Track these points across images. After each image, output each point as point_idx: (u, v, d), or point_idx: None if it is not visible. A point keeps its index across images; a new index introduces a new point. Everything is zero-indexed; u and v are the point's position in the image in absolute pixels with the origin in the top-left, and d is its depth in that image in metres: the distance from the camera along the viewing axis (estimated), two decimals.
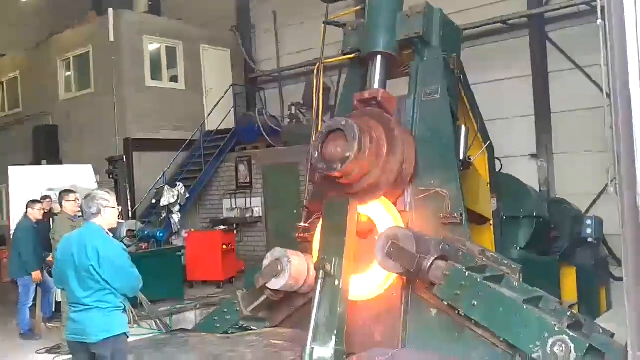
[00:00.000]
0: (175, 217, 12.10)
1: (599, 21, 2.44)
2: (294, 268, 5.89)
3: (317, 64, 7.05)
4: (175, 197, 12.05)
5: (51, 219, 8.51)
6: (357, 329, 5.54)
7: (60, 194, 7.63)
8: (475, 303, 4.85)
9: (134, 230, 10.58)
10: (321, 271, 5.34)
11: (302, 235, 6.40)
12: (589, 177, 10.27)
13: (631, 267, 2.10)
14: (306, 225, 6.41)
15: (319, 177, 6.10)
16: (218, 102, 14.91)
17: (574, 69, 10.99)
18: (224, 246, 11.68)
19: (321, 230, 5.74)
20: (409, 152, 5.82)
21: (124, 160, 11.98)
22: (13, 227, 8.81)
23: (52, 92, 15.93)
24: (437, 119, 6.02)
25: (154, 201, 12.65)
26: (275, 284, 5.94)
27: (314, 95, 7.11)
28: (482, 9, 11.72)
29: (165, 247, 10.81)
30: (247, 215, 13.88)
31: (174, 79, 15.21)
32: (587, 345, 4.35)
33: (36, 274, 7.92)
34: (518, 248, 7.76)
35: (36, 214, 8.25)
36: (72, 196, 7.34)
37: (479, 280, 4.90)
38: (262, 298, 6.19)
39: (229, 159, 14.61)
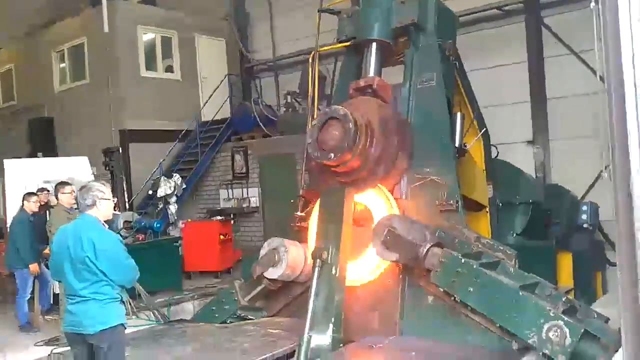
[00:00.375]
0: (172, 208, 12.09)
1: (592, 4, 2.43)
2: (291, 257, 5.91)
3: (313, 52, 7.03)
4: (172, 188, 12.03)
5: (47, 212, 8.50)
6: (355, 316, 5.57)
7: (56, 186, 7.60)
8: (471, 289, 4.87)
9: (130, 222, 10.56)
10: (318, 260, 5.35)
11: (298, 224, 6.41)
12: (584, 163, 10.28)
13: (624, 257, 2.10)
14: (303, 214, 6.42)
15: (315, 166, 6.10)
16: (213, 92, 14.86)
17: (570, 55, 10.96)
18: (221, 236, 11.68)
19: (318, 219, 5.75)
20: (405, 140, 5.82)
21: (120, 151, 11.93)
22: (9, 220, 8.79)
23: (47, 84, 15.86)
24: (433, 107, 6.02)
25: (150, 192, 12.62)
26: (273, 273, 5.96)
27: (310, 83, 7.09)
28: None
29: (162, 238, 10.80)
30: (244, 205, 13.88)
31: (169, 69, 15.14)
32: (582, 330, 4.38)
33: (33, 267, 7.91)
34: (514, 234, 7.78)
35: (32, 206, 8.23)
36: (67, 188, 7.31)
37: (474, 267, 4.92)
38: (260, 287, 6.21)
39: (225, 149, 14.58)
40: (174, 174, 12.59)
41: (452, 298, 5.02)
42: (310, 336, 5.05)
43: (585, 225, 8.69)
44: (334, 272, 5.31)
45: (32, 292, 8.22)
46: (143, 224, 10.60)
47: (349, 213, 5.57)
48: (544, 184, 10.35)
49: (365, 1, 6.33)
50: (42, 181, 9.56)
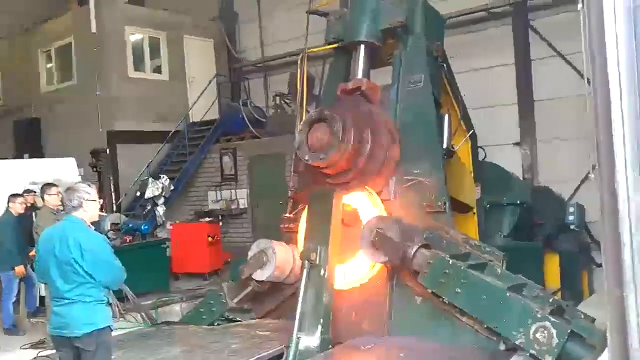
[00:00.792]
0: (160, 210, 12.02)
1: (580, 5, 2.45)
2: (279, 259, 5.89)
3: (302, 54, 7.02)
4: (160, 190, 11.97)
5: (34, 213, 8.42)
6: (343, 317, 5.57)
7: (42, 187, 7.55)
8: (459, 291, 4.89)
9: (118, 224, 10.51)
10: (306, 261, 5.35)
11: (287, 226, 6.40)
12: (571, 164, 10.37)
13: (609, 258, 2.12)
14: (291, 215, 6.41)
15: (303, 168, 6.09)
16: (202, 93, 14.80)
17: (557, 57, 11.05)
18: (210, 238, 11.64)
19: (306, 220, 5.74)
20: (393, 141, 5.83)
21: (108, 152, 11.86)
22: None
23: (34, 84, 15.71)
24: (421, 108, 6.03)
25: (138, 194, 12.56)
26: (261, 275, 5.94)
27: (298, 85, 7.08)
28: None
29: (149, 240, 10.75)
30: (233, 207, 13.84)
31: (157, 69, 15.05)
32: (569, 330, 4.40)
33: (19, 269, 7.84)
34: (502, 235, 7.83)
35: (18, 207, 8.15)
36: (53, 190, 7.26)
37: (462, 268, 4.94)
38: (248, 289, 6.19)
39: (214, 151, 14.53)
40: (162, 176, 12.52)
41: (440, 299, 5.04)
42: (299, 337, 5.04)
43: (572, 226, 8.76)
44: (322, 273, 5.30)
45: (18, 295, 8.15)
46: (130, 225, 10.56)
47: (338, 214, 5.57)
48: (531, 185, 10.42)
49: (354, 3, 6.33)
50: (29, 182, 9.46)
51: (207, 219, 12.45)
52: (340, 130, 5.37)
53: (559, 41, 10.88)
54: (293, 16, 13.25)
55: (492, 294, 4.79)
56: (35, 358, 6.38)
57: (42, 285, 7.54)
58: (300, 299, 5.25)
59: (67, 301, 4.10)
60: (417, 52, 6.22)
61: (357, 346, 5.03)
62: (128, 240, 10.31)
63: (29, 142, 15.05)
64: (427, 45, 6.25)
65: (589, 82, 2.38)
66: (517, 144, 11.61)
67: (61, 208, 6.80)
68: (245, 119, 14.11)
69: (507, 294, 4.72)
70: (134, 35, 14.54)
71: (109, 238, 8.85)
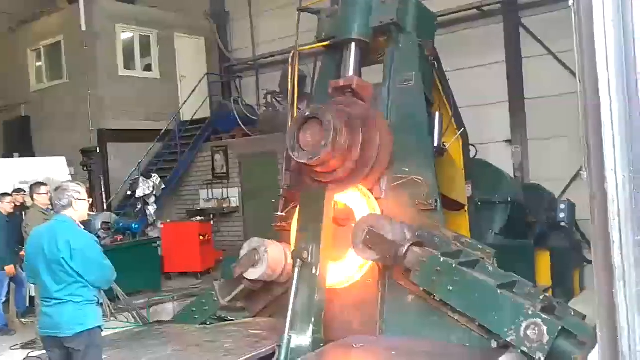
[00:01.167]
0: (151, 209, 11.97)
1: (571, 1, 2.45)
2: (271, 257, 5.88)
3: (293, 52, 7.00)
4: (151, 189, 11.92)
5: (23, 213, 8.37)
6: (335, 316, 5.57)
7: (31, 187, 7.50)
8: (451, 288, 4.89)
9: (109, 223, 10.45)
10: (298, 260, 5.34)
11: (279, 224, 6.39)
12: (562, 162, 10.42)
13: (600, 256, 2.13)
14: (283, 214, 6.40)
15: (295, 166, 6.08)
16: (193, 91, 14.75)
17: (548, 55, 11.09)
18: (201, 237, 11.62)
19: (298, 219, 5.74)
20: (385, 139, 5.83)
21: (98, 151, 11.80)
22: None
23: (24, 83, 15.60)
24: (412, 106, 6.02)
25: (129, 193, 12.50)
26: (253, 273, 5.93)
27: (290, 83, 7.06)
28: None
29: (140, 239, 10.71)
30: (224, 206, 13.81)
31: (147, 68, 14.99)
32: (560, 327, 4.42)
33: (9, 268, 7.79)
34: (493, 233, 7.83)
35: (6, 207, 8.10)
36: (43, 189, 7.22)
37: (454, 265, 4.94)
38: (240, 288, 6.17)
39: (205, 149, 14.49)
40: (153, 174, 12.47)
41: (432, 297, 5.04)
42: (291, 336, 5.03)
43: (563, 224, 8.79)
44: (314, 272, 5.30)
45: (8, 295, 8.09)
46: (121, 224, 10.50)
47: (329, 213, 5.57)
48: (522, 183, 10.45)
49: (345, 0, 6.32)
50: (19, 182, 9.42)
51: (199, 218, 12.44)
52: (331, 129, 5.36)
53: (550, 39, 10.92)
54: (284, 14, 13.23)
55: (483, 291, 4.79)
56: (25, 358, 6.34)
57: (32, 285, 7.50)
58: (292, 297, 5.24)
59: (57, 301, 4.08)
60: (409, 50, 6.21)
61: (348, 345, 5.02)
62: (119, 240, 10.26)
63: (18, 141, 14.96)
64: (418, 43, 6.24)
65: (579, 79, 2.39)
66: (508, 141, 11.66)
67: (51, 207, 6.77)
68: (237, 117, 14.08)
69: (498, 291, 4.73)
70: (125, 34, 14.47)
71: (99, 237, 8.82)
